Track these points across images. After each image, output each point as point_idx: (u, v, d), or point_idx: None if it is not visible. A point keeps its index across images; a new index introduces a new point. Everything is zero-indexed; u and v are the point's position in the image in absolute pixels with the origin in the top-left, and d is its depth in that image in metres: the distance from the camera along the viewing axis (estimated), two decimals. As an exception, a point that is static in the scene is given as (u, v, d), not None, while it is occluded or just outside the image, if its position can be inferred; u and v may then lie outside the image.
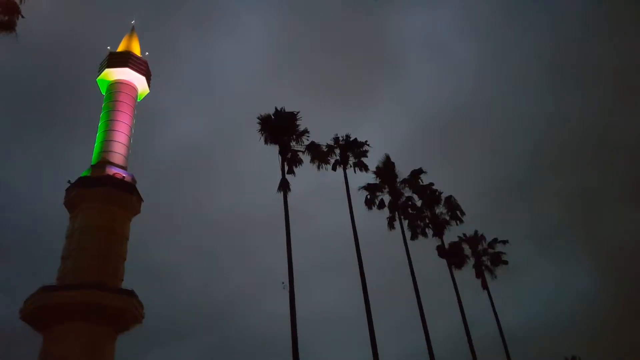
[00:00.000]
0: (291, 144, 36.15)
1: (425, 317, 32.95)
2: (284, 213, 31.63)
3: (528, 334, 52.18)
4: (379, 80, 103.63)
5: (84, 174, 55.12)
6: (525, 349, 41.12)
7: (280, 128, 35.53)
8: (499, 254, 39.94)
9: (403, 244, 36.96)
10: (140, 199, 56.10)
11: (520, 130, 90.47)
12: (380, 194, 40.88)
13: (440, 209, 40.50)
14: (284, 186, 33.09)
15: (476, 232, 40.82)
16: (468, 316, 35.45)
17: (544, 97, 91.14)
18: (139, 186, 56.68)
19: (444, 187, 41.95)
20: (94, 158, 57.26)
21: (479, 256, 39.92)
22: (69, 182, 54.46)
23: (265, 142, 35.88)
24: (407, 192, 41.01)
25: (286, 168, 34.86)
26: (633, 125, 77.12)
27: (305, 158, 36.64)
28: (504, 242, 40.13)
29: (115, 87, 62.22)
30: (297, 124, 36.47)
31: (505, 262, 39.45)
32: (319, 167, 37.59)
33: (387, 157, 41.85)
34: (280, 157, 35.10)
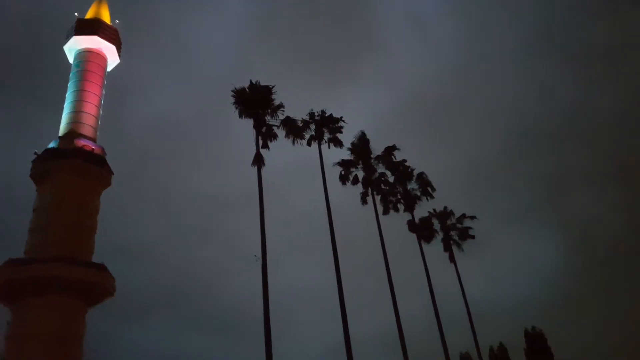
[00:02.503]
0: (266, 118, 36.01)
1: (396, 290, 33.93)
2: (257, 187, 31.71)
3: (495, 307, 54.26)
4: (358, 57, 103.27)
5: (51, 145, 53.61)
6: (491, 321, 42.74)
7: (255, 101, 35.31)
8: (467, 228, 41.15)
9: (375, 219, 37.70)
10: (110, 172, 55.07)
11: (498, 110, 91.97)
12: (354, 169, 41.34)
13: (412, 185, 41.31)
14: (258, 160, 33.10)
15: (445, 207, 41.93)
16: (438, 289, 36.68)
17: (523, 78, 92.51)
18: (110, 159, 55.58)
19: (419, 164, 42.78)
20: (62, 129, 55.63)
21: (447, 231, 41.06)
22: (35, 153, 52.91)
23: (240, 115, 35.65)
24: (381, 169, 41.65)
25: (260, 142, 34.79)
26: (608, 108, 79.27)
27: (280, 133, 36.66)
28: (472, 217, 41.35)
29: (84, 56, 60.17)
30: (273, 97, 36.31)
31: (472, 237, 40.70)
32: (293, 142, 37.66)
33: (362, 134, 42.22)
34: (254, 131, 34.98)
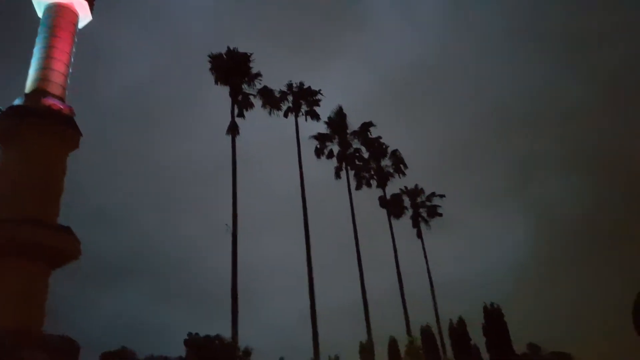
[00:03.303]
0: (243, 87, 35.55)
1: (365, 264, 34.65)
2: (231, 156, 31.51)
3: (462, 284, 55.99)
4: (342, 32, 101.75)
5: (17, 102, 51.53)
6: (456, 296, 44.10)
7: (232, 69, 34.76)
8: (435, 206, 41.93)
9: (348, 194, 38.08)
10: (79, 133, 53.26)
11: (478, 91, 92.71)
12: (330, 144, 41.41)
13: (386, 162, 41.69)
14: (233, 129, 32.80)
15: (416, 185, 42.50)
16: (406, 264, 37.68)
17: (503, 61, 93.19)
18: (80, 122, 53.82)
19: (394, 142, 43.01)
20: (28, 86, 53.40)
21: (416, 208, 41.78)
22: (-1, 110, 50.78)
23: (216, 82, 35.08)
24: (356, 144, 41.81)
25: (236, 111, 34.41)
26: (582, 93, 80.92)
27: (257, 103, 36.30)
28: (441, 196, 42.08)
29: (53, 10, 57.24)
30: (250, 66, 35.79)
31: (440, 215, 41.54)
32: (270, 113, 37.39)
33: (340, 108, 42.14)
34: (230, 99, 34.53)
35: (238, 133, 32.97)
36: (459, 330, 27.42)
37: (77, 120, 53.28)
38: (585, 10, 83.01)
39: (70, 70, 56.82)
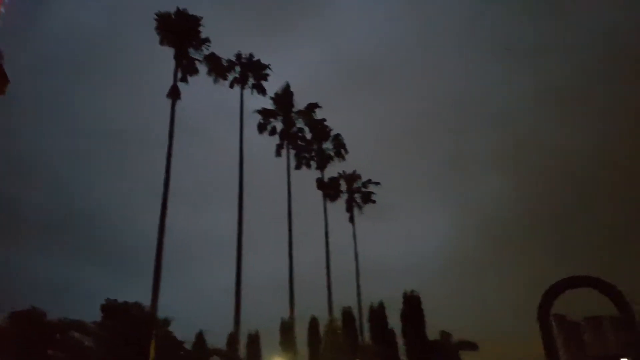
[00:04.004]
0: (189, 50, 34.31)
1: (297, 243, 34.99)
2: (169, 121, 30.50)
3: (390, 269, 57.85)
4: (299, 11, 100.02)
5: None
6: (382, 281, 45.52)
7: (179, 30, 33.39)
8: (370, 193, 42.75)
9: (287, 172, 38.08)
10: (6, 79, 49.88)
11: (428, 84, 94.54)
12: (273, 120, 40.98)
13: (327, 145, 41.91)
14: (174, 93, 31.66)
15: (354, 171, 43.10)
16: (338, 247, 38.47)
17: (457, 58, 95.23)
18: (11, 69, 50.11)
19: (340, 126, 43.34)
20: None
21: (352, 192, 42.46)
22: None
23: (161, 42, 33.59)
24: (300, 124, 41.66)
25: (180, 75, 33.20)
26: (522, 97, 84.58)
27: (203, 69, 35.17)
28: (377, 183, 42.94)
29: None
30: (200, 30, 34.52)
31: (374, 202, 42.46)
32: (215, 81, 36.35)
33: (287, 86, 41.71)
34: (175, 62, 33.25)
35: (179, 98, 31.85)
36: (378, 314, 28.46)
37: (9, 66, 49.65)
38: (531, 18, 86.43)
39: (3, 10, 52.69)
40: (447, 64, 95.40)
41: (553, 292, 28.11)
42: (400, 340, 28.22)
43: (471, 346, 28.60)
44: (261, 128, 40.32)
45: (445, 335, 29.28)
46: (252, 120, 39.99)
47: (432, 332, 29.15)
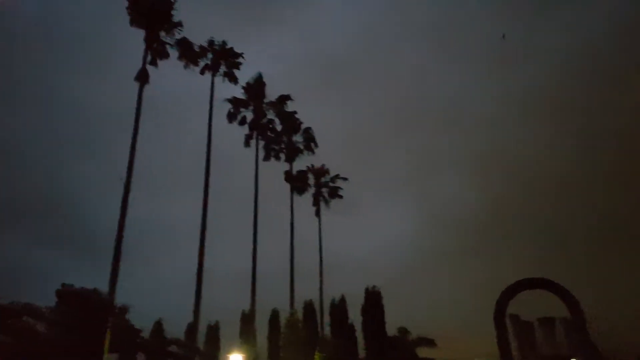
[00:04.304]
0: (160, 33, 33.49)
1: (263, 235, 34.80)
2: (136, 104, 29.73)
3: (353, 263, 58.44)
4: (279, 1, 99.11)
5: None
6: (344, 275, 45.91)
7: (151, 11, 32.52)
8: (337, 188, 42.94)
9: (255, 163, 37.80)
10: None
11: (402, 81, 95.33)
12: (244, 110, 40.60)
13: (297, 138, 41.82)
14: (142, 76, 30.84)
15: (323, 165, 43.23)
16: (304, 240, 38.59)
17: (434, 57, 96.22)
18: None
19: (312, 119, 43.14)
20: None
21: (319, 186, 42.54)
22: None
23: (131, 24, 32.66)
24: (271, 115, 41.42)
25: (149, 58, 32.38)
26: (489, 102, 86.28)
27: (174, 54, 34.41)
28: (344, 179, 43.16)
29: None
30: (172, 14, 33.73)
31: (341, 197, 42.67)
32: (186, 67, 35.66)
33: (260, 76, 41.36)
34: (145, 44, 32.41)
35: (147, 82, 31.08)
36: (339, 308, 28.66)
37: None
38: (512, 27, 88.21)
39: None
40: (425, 64, 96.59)
41: (509, 293, 28.84)
42: (360, 335, 28.53)
43: (428, 342, 29.17)
44: (231, 117, 39.89)
45: (403, 331, 29.75)
46: (223, 109, 39.62)
47: (392, 328, 29.64)
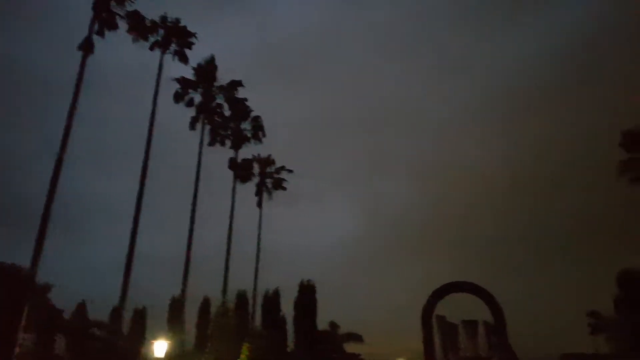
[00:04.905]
0: (111, 3, 31.92)
1: (201, 220, 34.10)
2: (77, 75, 28.20)
3: (293, 256, 58.64)
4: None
5: None
6: (282, 268, 45.89)
7: (101, -21, 30.89)
8: (282, 180, 42.73)
9: (199, 147, 36.92)
10: None
11: (358, 79, 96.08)
12: (192, 92, 39.52)
13: (246, 125, 41.19)
14: (87, 46, 29.27)
15: (269, 155, 42.83)
16: (244, 231, 38.28)
17: (389, 58, 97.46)
18: None
19: (263, 109, 42.43)
20: None
21: (264, 177, 42.15)
22: None
23: (79, -10, 30.97)
24: (220, 100, 40.49)
25: (96, 27, 30.77)
26: (438, 111, 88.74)
27: (123, 27, 32.88)
28: (290, 171, 42.98)
29: None
30: (124, -17, 32.18)
31: (284, 188, 42.52)
32: (134, 40, 34.23)
33: (212, 58, 40.29)
34: (92, 13, 30.74)
35: (92, 52, 29.53)
36: (271, 300, 28.52)
37: None
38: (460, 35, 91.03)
39: None
40: (380, 64, 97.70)
41: (438, 294, 29.85)
42: (291, 328, 28.55)
43: (356, 338, 29.73)
44: (178, 97, 38.73)
45: (334, 326, 30.14)
46: (171, 88, 38.41)
47: (325, 322, 29.92)
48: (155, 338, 19.51)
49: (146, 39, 34.97)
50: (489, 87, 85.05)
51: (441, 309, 34.45)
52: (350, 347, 30.79)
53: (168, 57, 36.39)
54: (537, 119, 77.52)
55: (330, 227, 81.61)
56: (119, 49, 36.07)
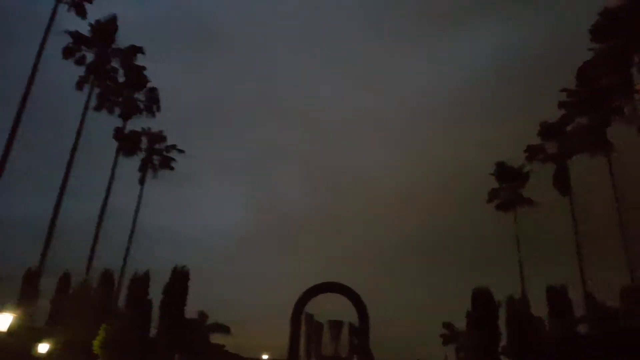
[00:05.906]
0: None
1: (73, 189, 31.50)
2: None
3: (176, 239, 56.56)
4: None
5: None
6: (161, 250, 43.92)
7: None
8: (170, 159, 40.64)
9: (83, 110, 34.05)
10: None
11: (271, 66, 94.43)
12: (85, 49, 36.33)
13: (140, 96, 38.64)
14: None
15: (161, 131, 40.50)
16: (123, 207, 36.20)
17: (309, 47, 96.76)
18: None
19: (162, 83, 39.90)
20: None
21: (150, 153, 39.85)
22: None
23: None
24: (116, 64, 37.62)
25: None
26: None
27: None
28: (181, 151, 40.84)
29: None
30: None
31: (172, 168, 40.39)
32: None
33: (114, 18, 37.30)
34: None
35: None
36: (140, 282, 27.09)
37: None
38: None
39: None
40: (295, 54, 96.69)
41: (308, 293, 30.74)
42: (155, 313, 27.33)
43: (224, 329, 29.41)
44: (67, 53, 35.45)
45: (202, 315, 29.53)
46: (61, 42, 35.02)
47: (194, 311, 29.04)
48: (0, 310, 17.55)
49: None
50: (399, 97, 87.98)
51: (312, 307, 35.49)
52: (217, 338, 30.35)
53: (63, 7, 33.19)
54: (435, 141, 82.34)
55: (219, 214, 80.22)
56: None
